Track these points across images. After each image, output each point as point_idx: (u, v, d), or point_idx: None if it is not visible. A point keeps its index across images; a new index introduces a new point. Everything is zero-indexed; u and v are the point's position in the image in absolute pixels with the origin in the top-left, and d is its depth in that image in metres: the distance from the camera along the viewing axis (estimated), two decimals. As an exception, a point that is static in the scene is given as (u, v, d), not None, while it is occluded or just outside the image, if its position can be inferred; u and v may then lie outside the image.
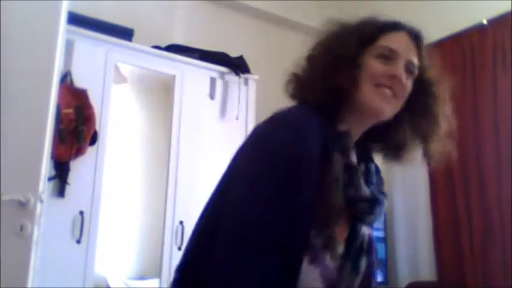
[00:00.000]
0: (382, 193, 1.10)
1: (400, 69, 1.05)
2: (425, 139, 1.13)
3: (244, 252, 0.87)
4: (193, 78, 3.12)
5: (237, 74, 3.22)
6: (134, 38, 3.05)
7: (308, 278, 0.92)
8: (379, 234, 3.29)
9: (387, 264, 3.27)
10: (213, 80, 3.18)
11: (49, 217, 2.05)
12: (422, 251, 3.10)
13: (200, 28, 3.55)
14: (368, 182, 1.06)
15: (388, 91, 1.04)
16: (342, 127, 1.04)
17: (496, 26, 2.96)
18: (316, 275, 0.93)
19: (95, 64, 2.82)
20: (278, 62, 3.80)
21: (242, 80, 3.23)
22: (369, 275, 1.06)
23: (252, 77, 3.29)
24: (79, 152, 2.64)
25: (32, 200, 1.86)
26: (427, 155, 1.15)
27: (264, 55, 3.67)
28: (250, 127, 3.07)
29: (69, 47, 2.54)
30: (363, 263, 1.04)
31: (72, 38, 2.62)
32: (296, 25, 3.89)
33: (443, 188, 3.08)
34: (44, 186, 1.93)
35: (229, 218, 0.92)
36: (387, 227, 3.32)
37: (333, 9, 4.04)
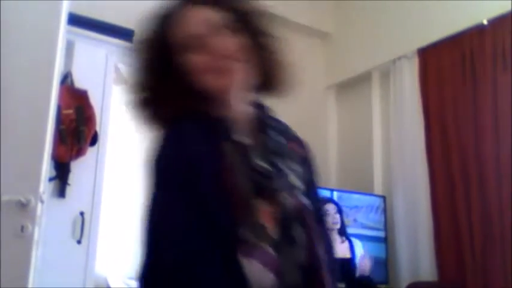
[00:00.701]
0: (291, 156, 1.07)
1: (213, 43, 1.02)
2: (269, 69, 1.12)
3: (187, 274, 0.89)
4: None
5: (237, 74, 3.21)
6: (135, 38, 3.05)
7: (252, 272, 0.90)
8: (379, 234, 3.29)
9: (388, 264, 3.27)
10: (213, 81, 3.17)
11: (50, 217, 2.05)
12: (423, 251, 3.10)
13: (200, 28, 3.55)
14: (270, 152, 1.03)
15: (222, 67, 1.02)
16: (217, 114, 1.02)
17: (496, 26, 2.96)
18: (259, 267, 0.91)
19: (96, 65, 2.83)
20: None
21: (242, 81, 3.23)
22: (313, 245, 0.99)
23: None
24: (79, 152, 2.65)
25: (33, 201, 1.86)
26: (271, 84, 1.13)
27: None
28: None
29: (69, 47, 2.54)
30: (298, 233, 0.98)
31: (72, 39, 2.62)
32: (296, 25, 3.89)
33: (443, 188, 3.08)
34: (45, 187, 1.93)
35: (163, 247, 0.95)
36: (388, 227, 3.32)
37: (332, 9, 4.04)
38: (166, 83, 1.04)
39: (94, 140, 2.72)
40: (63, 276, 2.52)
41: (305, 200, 1.04)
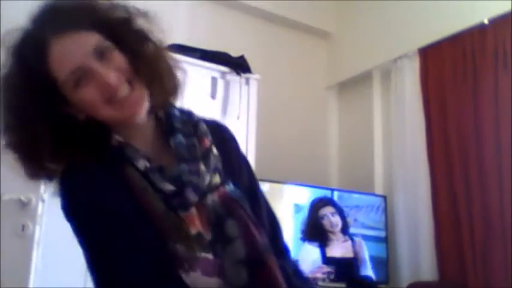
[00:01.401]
0: (196, 158, 0.98)
1: (103, 75, 0.89)
2: (151, 81, 0.97)
3: None
4: (195, 78, 3.10)
5: (238, 73, 3.21)
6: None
7: (196, 285, 0.88)
8: (380, 234, 3.29)
9: (388, 264, 3.27)
10: (214, 80, 3.17)
11: (50, 217, 2.05)
12: (424, 251, 3.09)
13: (201, 28, 3.55)
14: (180, 160, 0.97)
15: (118, 97, 0.91)
16: (114, 142, 0.95)
17: (497, 26, 2.96)
18: (199, 277, 0.89)
19: (96, 64, 2.82)
20: (279, 62, 3.81)
21: (243, 80, 3.23)
22: (248, 232, 0.95)
23: (254, 77, 3.29)
24: (80, 151, 2.64)
25: (34, 200, 1.86)
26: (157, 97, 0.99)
27: (266, 55, 3.66)
28: (252, 127, 3.08)
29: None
30: (231, 227, 0.94)
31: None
32: (297, 25, 3.89)
33: (444, 188, 3.08)
34: (46, 186, 1.93)
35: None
36: (388, 227, 3.32)
37: (333, 8, 4.04)
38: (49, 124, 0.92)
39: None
40: (63, 275, 2.51)
41: (231, 190, 1.00)
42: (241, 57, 3.29)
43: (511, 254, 2.70)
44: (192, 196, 0.94)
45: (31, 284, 1.83)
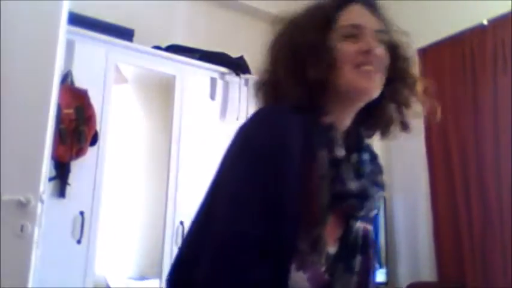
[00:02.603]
0: (377, 183, 1.02)
1: (372, 43, 0.99)
2: (405, 104, 1.06)
3: (230, 270, 0.85)
4: (194, 79, 3.12)
5: (237, 74, 3.22)
6: (135, 38, 3.05)
7: (296, 284, 0.88)
8: (380, 234, 3.29)
9: (388, 265, 3.27)
10: (213, 81, 3.18)
11: (49, 217, 2.05)
12: (423, 252, 3.10)
13: (200, 28, 3.55)
14: (360, 174, 0.99)
15: (369, 68, 0.98)
16: (326, 120, 0.98)
17: (496, 26, 2.96)
18: (304, 281, 0.89)
19: (96, 64, 2.82)
20: (278, 63, 3.81)
21: (242, 81, 3.23)
22: (366, 274, 0.98)
23: (253, 78, 3.29)
24: (80, 152, 2.64)
25: (33, 201, 1.86)
26: (404, 121, 1.07)
27: (263, 55, 3.66)
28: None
29: (69, 47, 2.54)
30: (357, 261, 0.97)
31: (72, 38, 2.62)
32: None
33: (443, 188, 3.08)
34: (45, 187, 1.93)
35: (216, 227, 0.88)
36: (388, 228, 3.32)
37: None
38: (301, 63, 0.98)
39: (94, 140, 2.72)
40: (62, 276, 2.51)
41: (372, 230, 1.03)
42: (241, 58, 3.29)
43: (510, 254, 2.70)
44: (365, 208, 0.97)
45: (30, 284, 1.82)
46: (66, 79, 2.69)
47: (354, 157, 1.01)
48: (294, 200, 0.89)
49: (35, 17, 2.02)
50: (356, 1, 1.04)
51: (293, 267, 0.88)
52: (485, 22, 3.01)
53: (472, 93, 3.02)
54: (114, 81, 2.94)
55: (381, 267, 3.25)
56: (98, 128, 2.74)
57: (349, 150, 1.00)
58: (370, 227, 1.03)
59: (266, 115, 0.96)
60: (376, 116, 1.06)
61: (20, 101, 1.95)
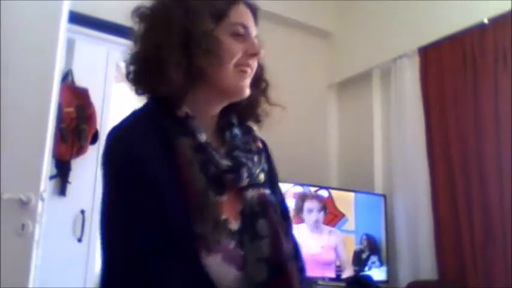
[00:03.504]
0: (251, 150, 1.06)
1: (257, 47, 1.05)
2: (256, 103, 1.14)
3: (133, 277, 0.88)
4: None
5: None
6: None
7: (214, 268, 0.90)
8: (380, 232, 3.29)
9: (388, 263, 3.27)
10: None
11: (50, 216, 2.05)
12: (423, 250, 3.10)
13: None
14: (234, 148, 1.04)
15: (248, 70, 1.04)
16: (181, 113, 0.99)
17: (497, 26, 2.95)
18: (221, 264, 0.91)
19: (96, 63, 2.83)
20: (279, 61, 3.80)
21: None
22: (276, 235, 0.98)
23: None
24: (80, 150, 2.65)
25: (33, 199, 1.86)
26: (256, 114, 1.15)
27: (265, 54, 3.66)
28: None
29: (70, 45, 2.54)
30: (262, 226, 0.98)
31: (73, 37, 2.62)
32: (297, 24, 3.89)
33: (444, 186, 3.08)
34: (45, 185, 1.93)
35: (114, 258, 0.92)
36: (388, 226, 3.32)
37: (334, 8, 4.04)
38: (187, 51, 0.98)
39: (95, 138, 2.72)
40: (63, 274, 2.52)
41: (268, 193, 1.05)
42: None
43: (511, 253, 2.70)
44: (244, 178, 0.99)
45: (31, 283, 1.83)
46: (67, 78, 2.70)
47: (227, 135, 1.07)
48: (172, 194, 0.92)
49: (35, 16, 2.03)
50: (244, 1, 1.06)
51: (203, 255, 0.90)
52: (486, 21, 3.00)
53: (472, 92, 3.02)
54: (114, 80, 2.94)
55: (381, 265, 3.26)
56: (98, 126, 2.74)
57: (224, 131, 1.07)
58: (265, 191, 1.04)
59: (115, 137, 0.98)
60: (241, 106, 1.11)
61: (20, 100, 1.95)
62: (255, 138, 1.11)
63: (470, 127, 2.99)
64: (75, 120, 2.63)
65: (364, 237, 3.26)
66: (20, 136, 1.93)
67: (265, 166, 1.09)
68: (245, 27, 1.03)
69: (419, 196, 3.16)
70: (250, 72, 1.05)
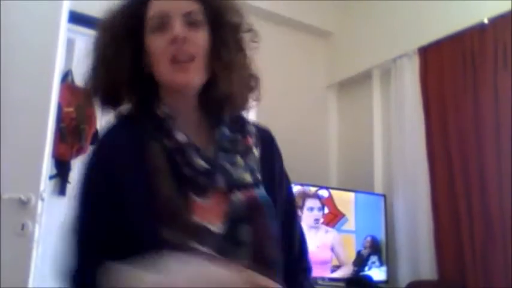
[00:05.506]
0: (238, 151, 1.00)
1: (176, 28, 0.95)
2: (228, 68, 1.00)
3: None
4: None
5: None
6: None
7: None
8: (380, 232, 3.29)
9: (388, 263, 3.27)
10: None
11: (50, 216, 2.05)
12: (423, 250, 3.09)
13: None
14: (220, 149, 0.98)
15: (183, 58, 0.95)
16: (160, 112, 0.98)
17: (497, 25, 2.96)
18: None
19: (96, 63, 2.82)
20: (279, 61, 3.81)
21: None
22: (261, 242, 0.94)
23: (253, 76, 3.29)
24: (80, 150, 2.65)
25: (33, 199, 1.86)
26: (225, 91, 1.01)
27: (265, 54, 3.65)
28: (251, 127, 3.07)
29: (70, 45, 2.53)
30: (243, 232, 0.93)
31: (73, 37, 2.61)
32: (297, 24, 3.89)
33: (444, 187, 3.08)
34: (45, 185, 1.93)
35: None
36: (388, 226, 3.32)
37: (334, 8, 4.04)
38: (124, 66, 0.99)
39: (94, 139, 2.72)
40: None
41: (261, 194, 0.99)
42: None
43: (511, 253, 2.70)
44: (220, 181, 0.95)
45: (31, 283, 1.82)
46: (67, 77, 2.70)
47: (216, 133, 1.01)
48: (138, 203, 0.91)
49: (35, 16, 2.03)
50: None
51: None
52: (485, 21, 3.00)
53: (472, 92, 3.02)
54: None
55: (381, 265, 3.26)
56: (98, 126, 2.74)
57: (214, 128, 1.02)
58: (256, 193, 0.99)
59: (90, 153, 1.01)
60: (215, 93, 1.01)
61: (20, 100, 1.95)
62: (245, 136, 1.04)
63: (470, 127, 2.99)
64: (75, 120, 2.63)
65: (369, 238, 3.26)
66: (20, 136, 1.93)
67: (256, 165, 1.02)
68: (161, 16, 0.97)
69: (419, 196, 3.16)
70: (188, 60, 0.96)
